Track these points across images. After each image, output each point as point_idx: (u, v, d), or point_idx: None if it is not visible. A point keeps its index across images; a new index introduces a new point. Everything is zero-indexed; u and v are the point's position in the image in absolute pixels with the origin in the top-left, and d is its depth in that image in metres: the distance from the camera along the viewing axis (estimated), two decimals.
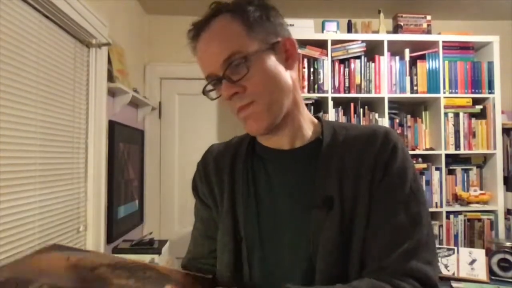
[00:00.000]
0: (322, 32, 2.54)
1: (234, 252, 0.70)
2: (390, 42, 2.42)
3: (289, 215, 0.69)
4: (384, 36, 2.46)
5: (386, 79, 2.44)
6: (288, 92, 0.69)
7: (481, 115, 2.49)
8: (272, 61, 0.67)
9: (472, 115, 2.48)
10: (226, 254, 0.71)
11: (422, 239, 0.63)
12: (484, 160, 2.55)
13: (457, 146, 2.45)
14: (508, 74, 2.73)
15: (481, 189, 2.50)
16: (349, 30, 2.64)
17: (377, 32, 2.58)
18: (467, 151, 2.46)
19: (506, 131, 2.52)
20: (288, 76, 0.69)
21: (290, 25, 2.45)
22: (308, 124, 0.74)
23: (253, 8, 0.67)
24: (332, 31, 2.53)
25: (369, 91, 2.45)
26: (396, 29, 2.58)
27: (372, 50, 2.50)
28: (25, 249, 1.30)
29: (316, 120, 0.76)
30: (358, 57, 2.46)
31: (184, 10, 2.66)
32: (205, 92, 0.70)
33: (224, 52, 0.64)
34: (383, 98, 2.42)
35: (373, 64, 2.46)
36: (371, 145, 0.67)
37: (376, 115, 2.47)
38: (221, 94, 0.66)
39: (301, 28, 2.47)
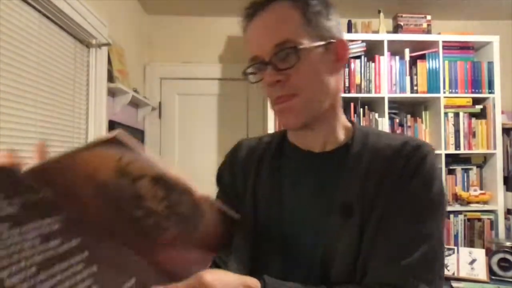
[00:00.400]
0: None
1: (251, 250, 0.69)
2: (390, 42, 2.42)
3: (309, 219, 0.68)
4: (384, 36, 2.46)
5: (386, 79, 2.44)
6: (329, 94, 0.67)
7: (481, 115, 2.49)
8: (322, 59, 0.65)
9: (472, 115, 2.48)
10: (243, 251, 0.70)
11: (427, 256, 0.60)
12: (484, 160, 2.55)
13: (457, 146, 2.45)
14: (508, 74, 2.73)
15: (481, 189, 2.50)
16: (349, 30, 2.64)
17: (377, 32, 2.58)
18: (467, 151, 2.46)
19: (506, 131, 2.52)
20: (332, 78, 0.68)
21: None
22: (341, 128, 0.73)
23: (315, 1, 0.66)
24: None
25: (369, 91, 2.45)
26: (396, 29, 2.58)
27: (372, 50, 2.50)
28: None
29: (349, 125, 0.74)
30: (358, 57, 2.46)
31: (184, 10, 2.67)
32: (245, 74, 0.69)
33: (277, 37, 0.63)
34: (383, 98, 2.42)
35: (373, 64, 2.46)
36: (399, 155, 0.65)
37: (376, 115, 2.47)
38: (263, 79, 0.65)
39: None
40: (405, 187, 0.63)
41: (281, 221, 0.70)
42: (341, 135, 0.72)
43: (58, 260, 0.43)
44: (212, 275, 0.49)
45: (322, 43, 0.65)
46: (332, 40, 0.67)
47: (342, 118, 0.74)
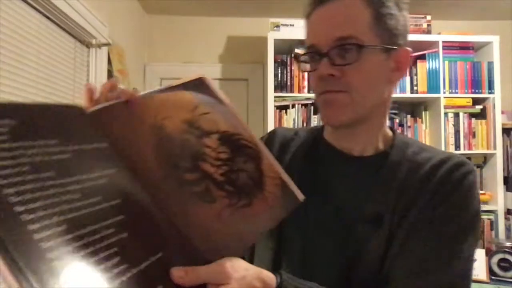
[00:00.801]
0: None
1: (275, 250, 0.67)
2: None
3: (335, 224, 0.65)
4: None
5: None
6: (379, 102, 0.65)
7: (481, 115, 2.48)
8: (381, 64, 0.62)
9: (472, 115, 2.48)
10: (266, 252, 0.68)
11: (456, 276, 0.58)
12: (484, 160, 2.55)
13: (457, 146, 2.45)
14: (508, 74, 2.73)
15: (481, 189, 2.49)
16: None
17: None
18: (467, 151, 2.45)
19: (506, 131, 2.52)
20: (387, 87, 0.65)
21: (290, 25, 2.45)
22: (382, 135, 0.70)
23: (389, 3, 0.62)
24: None
25: None
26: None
27: None
28: None
29: (390, 133, 0.72)
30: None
31: (184, 10, 2.67)
32: (297, 59, 0.67)
33: (341, 31, 0.60)
34: None
35: None
36: (438, 171, 0.62)
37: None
38: (316, 69, 0.62)
39: (301, 28, 2.46)
40: (441, 204, 0.60)
41: (306, 222, 0.67)
42: (381, 142, 0.70)
43: (91, 220, 0.39)
44: (232, 264, 0.46)
45: (386, 47, 0.62)
46: (396, 47, 0.63)
47: (385, 126, 0.72)
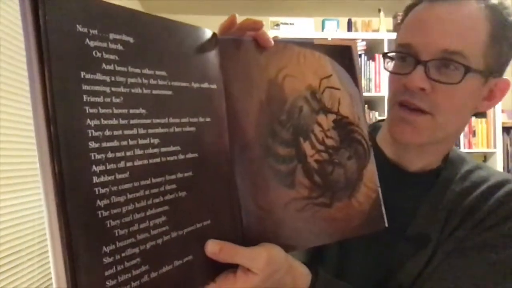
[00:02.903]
0: (322, 31, 2.54)
1: (312, 255, 0.61)
2: (390, 41, 2.41)
3: (378, 238, 0.58)
4: (384, 35, 2.46)
5: (387, 78, 2.43)
6: (459, 128, 0.59)
7: (481, 114, 2.48)
8: (475, 91, 0.54)
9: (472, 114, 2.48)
10: (302, 256, 0.62)
11: None
12: (484, 159, 2.55)
13: (457, 145, 2.45)
14: (508, 74, 2.72)
15: None
16: (349, 29, 2.63)
17: (377, 31, 2.57)
18: (467, 150, 2.45)
19: (506, 130, 2.52)
20: (471, 114, 0.58)
21: (290, 23, 2.45)
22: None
23: (510, 20, 0.53)
24: (332, 30, 2.53)
25: (369, 90, 2.44)
26: (397, 28, 2.57)
27: (372, 49, 2.49)
28: (24, 248, 1.30)
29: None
30: (358, 56, 2.45)
31: (185, 9, 2.67)
32: (385, 56, 0.58)
33: (451, 42, 0.50)
34: (383, 97, 2.41)
35: (373, 63, 2.45)
36: (494, 193, 0.56)
37: (376, 113, 2.47)
38: (406, 74, 0.53)
39: (301, 27, 2.47)
40: (491, 229, 0.54)
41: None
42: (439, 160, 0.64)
43: (158, 171, 0.35)
44: (269, 255, 0.41)
45: (488, 73, 0.53)
46: (497, 75, 0.55)
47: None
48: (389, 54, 0.58)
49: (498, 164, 2.42)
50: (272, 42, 0.44)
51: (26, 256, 1.31)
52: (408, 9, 0.57)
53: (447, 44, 0.50)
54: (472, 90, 0.53)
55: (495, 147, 2.44)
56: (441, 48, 0.50)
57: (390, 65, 0.58)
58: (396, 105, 0.56)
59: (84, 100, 0.30)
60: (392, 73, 0.57)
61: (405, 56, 0.54)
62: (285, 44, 0.45)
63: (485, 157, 2.54)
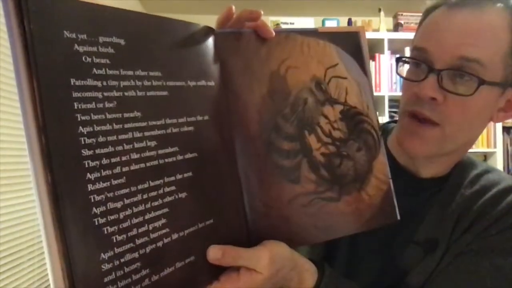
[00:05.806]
0: None
1: (320, 257, 0.60)
2: (391, 41, 2.42)
3: (387, 242, 0.59)
4: (385, 35, 2.46)
5: (386, 77, 2.44)
6: (471, 139, 0.58)
7: None
8: (490, 102, 0.52)
9: None
10: (309, 255, 0.62)
11: None
12: (484, 159, 2.55)
13: None
14: None
15: None
16: None
17: (377, 30, 2.57)
18: None
19: (506, 129, 2.52)
20: (485, 124, 0.56)
21: (290, 23, 2.45)
22: None
23: None
24: None
25: None
26: (397, 27, 2.57)
27: (372, 49, 2.49)
28: (24, 248, 1.30)
29: None
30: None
31: (185, 9, 2.66)
32: (399, 60, 0.57)
33: (469, 50, 0.48)
34: (383, 97, 2.42)
35: (373, 62, 2.45)
36: (503, 197, 0.55)
37: (376, 113, 2.47)
38: (418, 82, 0.51)
39: (301, 26, 2.47)
40: (504, 231, 0.53)
41: (355, 236, 0.61)
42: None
43: (155, 174, 0.34)
44: (272, 253, 0.41)
45: (506, 84, 0.51)
46: None
47: None
48: (403, 58, 0.56)
49: (498, 164, 2.42)
50: (273, 33, 0.43)
51: (26, 256, 1.30)
52: (427, 12, 0.56)
53: (464, 51, 0.48)
54: (486, 102, 0.51)
55: (495, 147, 2.44)
56: (457, 56, 0.48)
57: (403, 69, 0.56)
58: (406, 115, 0.55)
59: (75, 107, 0.29)
60: (404, 79, 0.56)
61: (418, 64, 0.53)
62: (287, 34, 0.44)
63: (485, 156, 2.54)
